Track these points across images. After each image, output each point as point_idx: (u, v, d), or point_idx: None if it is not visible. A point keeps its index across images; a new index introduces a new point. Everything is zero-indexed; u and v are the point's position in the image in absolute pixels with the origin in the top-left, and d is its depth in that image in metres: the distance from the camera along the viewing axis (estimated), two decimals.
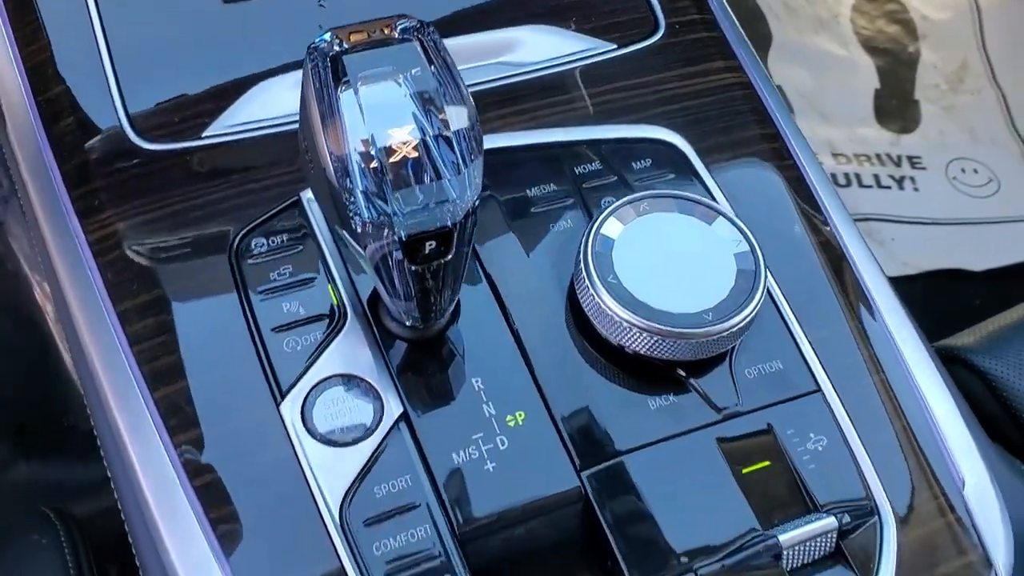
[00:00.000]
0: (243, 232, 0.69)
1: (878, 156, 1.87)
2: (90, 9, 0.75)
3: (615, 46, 0.82)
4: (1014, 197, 1.83)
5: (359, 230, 0.56)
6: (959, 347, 0.96)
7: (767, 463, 0.66)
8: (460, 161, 0.55)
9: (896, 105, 1.95)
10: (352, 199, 0.55)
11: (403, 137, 0.54)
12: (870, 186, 1.82)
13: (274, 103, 0.75)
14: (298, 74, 0.56)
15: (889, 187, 1.82)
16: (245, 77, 0.75)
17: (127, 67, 0.74)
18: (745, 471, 0.65)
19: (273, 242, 0.69)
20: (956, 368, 0.93)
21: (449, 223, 0.55)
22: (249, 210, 0.70)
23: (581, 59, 0.81)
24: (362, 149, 0.53)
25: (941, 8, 2.08)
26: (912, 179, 1.84)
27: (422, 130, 0.54)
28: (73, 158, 0.72)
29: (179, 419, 0.63)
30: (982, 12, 2.09)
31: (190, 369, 0.64)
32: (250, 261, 0.68)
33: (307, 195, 0.71)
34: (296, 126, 0.58)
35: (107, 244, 0.69)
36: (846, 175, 1.83)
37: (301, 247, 0.69)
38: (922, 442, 0.69)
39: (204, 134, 0.73)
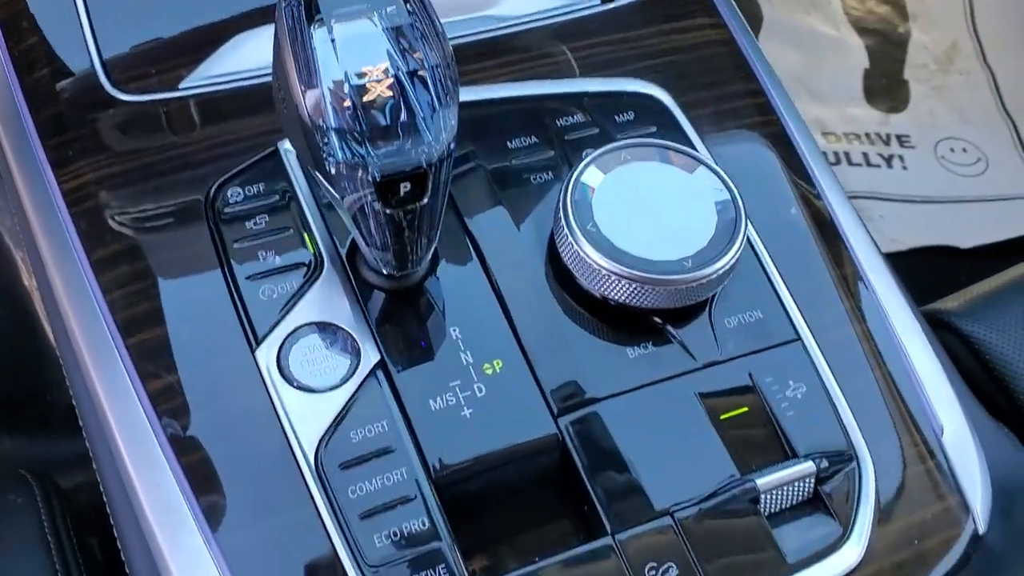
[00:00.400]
0: (219, 182, 0.68)
1: (867, 135, 1.86)
2: None
3: (598, 1, 0.82)
4: (1002, 176, 1.83)
5: (333, 172, 0.55)
6: (943, 311, 0.95)
7: (745, 410, 0.65)
8: (435, 100, 0.55)
9: (885, 85, 1.95)
10: (326, 140, 0.54)
11: (377, 75, 0.54)
12: (859, 164, 1.82)
13: (251, 55, 0.74)
14: None
15: (878, 165, 1.82)
16: (223, 28, 0.75)
17: (103, 17, 0.73)
18: (723, 417, 0.65)
19: (249, 192, 0.68)
20: (941, 332, 0.93)
21: (424, 164, 0.54)
22: (225, 160, 0.70)
23: (564, 14, 0.80)
24: (335, 88, 0.53)
25: None
26: (901, 157, 1.84)
27: (396, 68, 0.54)
28: (47, 108, 0.72)
29: (152, 365, 0.62)
30: None
31: (164, 316, 0.64)
32: (226, 210, 0.67)
33: (284, 145, 0.70)
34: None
35: (81, 194, 0.68)
36: (835, 153, 1.82)
37: (277, 197, 0.68)
38: (901, 390, 0.69)
39: (180, 85, 0.73)
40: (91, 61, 0.72)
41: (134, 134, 0.70)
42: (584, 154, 0.69)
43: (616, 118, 0.75)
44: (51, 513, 0.81)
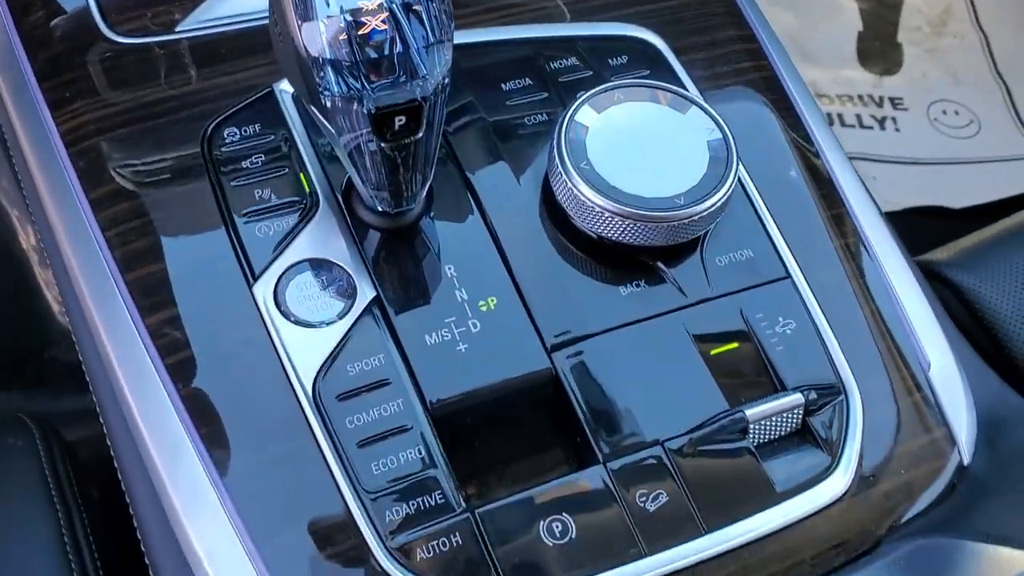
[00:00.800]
0: (215, 122, 0.69)
1: (860, 97, 1.87)
2: None
3: None
4: (994, 138, 1.83)
5: (329, 106, 0.56)
6: (933, 261, 0.97)
7: (735, 345, 0.66)
8: (429, 34, 0.55)
9: (879, 47, 1.96)
10: (322, 74, 0.55)
11: (372, 8, 0.54)
12: (852, 126, 1.82)
13: None
14: None
15: (871, 127, 1.83)
16: None
17: None
18: (714, 352, 0.66)
19: (245, 132, 0.69)
20: (933, 284, 0.94)
21: (418, 97, 0.55)
22: (221, 101, 0.70)
23: None
24: (331, 21, 0.53)
25: None
26: (894, 119, 1.85)
27: (391, 1, 0.54)
28: (44, 50, 0.72)
29: (151, 300, 0.63)
30: None
31: (162, 253, 0.65)
32: (223, 149, 0.68)
33: (279, 86, 0.71)
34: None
35: (79, 134, 0.69)
36: (828, 115, 1.83)
37: (273, 136, 0.69)
38: (889, 326, 0.70)
39: (177, 28, 0.73)
40: (87, 3, 0.73)
41: (131, 76, 0.71)
42: (578, 95, 0.70)
43: (610, 61, 0.76)
44: (51, 457, 0.82)
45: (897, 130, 1.83)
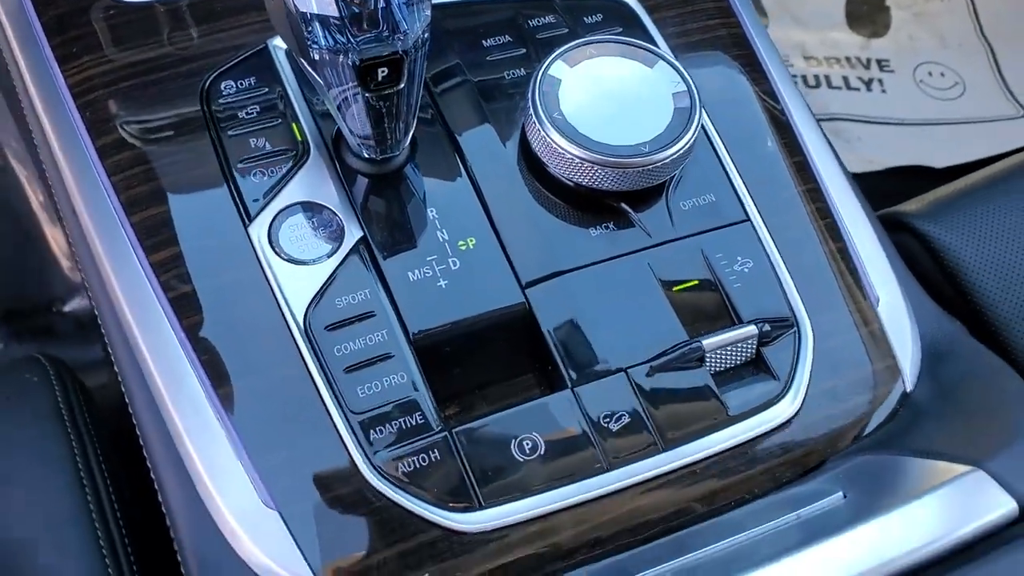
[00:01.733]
0: (213, 75, 0.74)
1: (848, 59, 1.91)
2: None
3: None
4: (979, 99, 1.87)
5: (317, 59, 0.61)
6: (902, 212, 1.01)
7: (696, 282, 0.72)
8: None
9: (867, 10, 1.99)
10: (310, 28, 0.60)
11: None
12: (839, 87, 1.86)
13: None
14: None
15: (857, 89, 1.87)
16: None
17: None
18: (676, 289, 0.71)
19: (241, 85, 0.73)
20: (900, 234, 0.99)
21: (399, 50, 0.60)
22: (219, 56, 0.75)
23: None
24: None
25: None
26: (880, 81, 1.88)
27: None
28: (52, 9, 0.77)
29: (154, 240, 0.68)
30: None
31: (165, 196, 0.70)
32: (220, 101, 0.73)
33: (273, 42, 0.75)
34: None
35: (86, 87, 0.74)
36: (816, 77, 1.87)
37: (267, 89, 0.73)
38: (842, 265, 0.75)
39: None
40: None
41: (134, 33, 0.75)
42: (553, 50, 0.74)
43: (585, 19, 0.81)
44: (65, 390, 0.87)
45: (883, 91, 1.87)
